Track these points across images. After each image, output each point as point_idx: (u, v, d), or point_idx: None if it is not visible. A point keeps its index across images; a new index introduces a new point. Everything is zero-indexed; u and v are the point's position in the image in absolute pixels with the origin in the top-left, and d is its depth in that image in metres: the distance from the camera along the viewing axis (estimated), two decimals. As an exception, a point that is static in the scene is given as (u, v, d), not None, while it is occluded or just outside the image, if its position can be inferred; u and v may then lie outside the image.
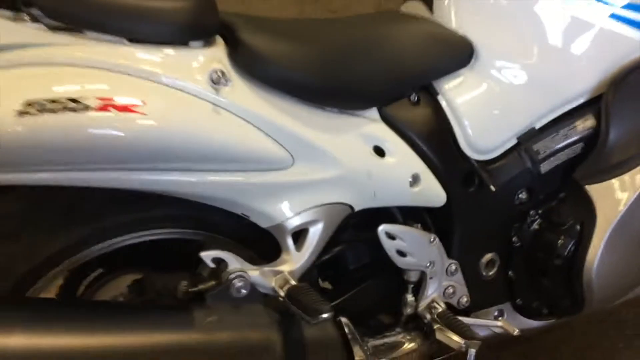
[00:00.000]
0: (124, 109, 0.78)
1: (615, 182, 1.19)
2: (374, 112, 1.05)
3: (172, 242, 1.05)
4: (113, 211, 0.95)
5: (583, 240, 1.19)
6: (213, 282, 0.97)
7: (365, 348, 1.03)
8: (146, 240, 1.00)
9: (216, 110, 0.86)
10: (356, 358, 1.00)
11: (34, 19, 0.81)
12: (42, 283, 0.96)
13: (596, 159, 1.19)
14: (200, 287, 0.97)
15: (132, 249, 1.01)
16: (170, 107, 0.82)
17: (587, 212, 1.19)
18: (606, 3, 1.19)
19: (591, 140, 1.20)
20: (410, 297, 1.17)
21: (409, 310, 1.18)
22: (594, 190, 1.19)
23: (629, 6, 1.20)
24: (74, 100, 0.76)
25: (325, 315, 0.89)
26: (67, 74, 0.78)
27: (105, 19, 0.82)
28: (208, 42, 0.90)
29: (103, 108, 0.77)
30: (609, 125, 1.17)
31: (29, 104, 0.74)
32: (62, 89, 0.76)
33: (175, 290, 0.99)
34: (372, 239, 1.11)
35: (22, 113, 0.74)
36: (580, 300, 1.23)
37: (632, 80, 1.17)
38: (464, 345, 1.10)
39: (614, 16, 1.19)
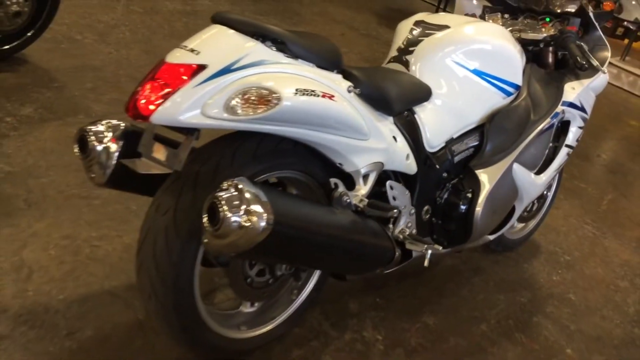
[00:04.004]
0: (331, 97, 1.62)
1: (490, 168, 2.25)
2: (391, 119, 1.98)
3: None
4: (277, 156, 1.73)
5: (473, 201, 2.22)
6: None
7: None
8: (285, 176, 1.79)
9: (350, 105, 1.73)
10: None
11: (277, 49, 1.61)
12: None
13: (481, 156, 2.24)
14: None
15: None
16: (341, 99, 1.67)
17: (475, 185, 2.23)
18: (469, 68, 2.23)
19: (479, 146, 2.26)
20: (391, 226, 2.08)
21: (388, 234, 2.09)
22: (480, 173, 2.24)
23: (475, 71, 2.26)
24: (312, 91, 1.58)
25: (395, 211, 1.78)
26: (301, 78, 1.60)
27: (313, 56, 1.65)
28: (337, 72, 1.76)
29: (324, 96, 1.60)
30: (488, 138, 2.24)
31: (296, 90, 1.55)
32: (306, 85, 1.58)
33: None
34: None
35: (294, 93, 1.54)
36: (469, 234, 2.24)
37: (498, 117, 2.26)
38: (425, 248, 2.03)
39: (470, 70, 2.23)
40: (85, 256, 2.16)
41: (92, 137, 1.71)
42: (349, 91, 1.74)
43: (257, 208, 1.44)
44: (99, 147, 1.71)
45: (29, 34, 3.17)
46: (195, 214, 1.58)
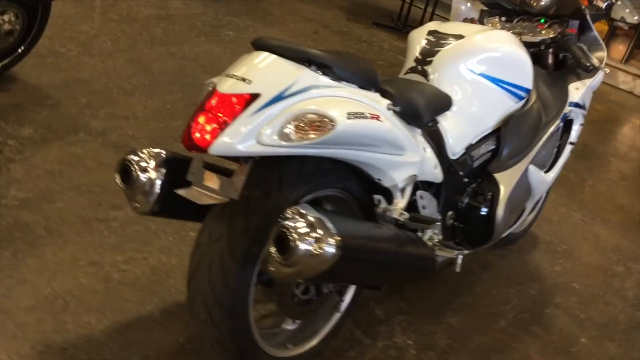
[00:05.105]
0: (377, 118, 1.65)
1: (508, 171, 2.32)
2: (419, 131, 2.02)
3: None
4: (319, 176, 1.75)
5: (493, 204, 2.29)
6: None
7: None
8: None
9: (390, 122, 1.76)
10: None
11: (322, 73, 1.63)
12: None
13: (498, 159, 2.31)
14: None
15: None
16: (385, 118, 1.70)
17: (495, 188, 2.29)
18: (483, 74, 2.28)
19: (495, 150, 2.32)
20: (420, 234, 2.13)
21: (418, 242, 2.14)
22: (498, 176, 2.30)
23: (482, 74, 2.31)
24: (361, 114, 1.60)
25: (436, 223, 1.83)
26: (349, 101, 1.63)
27: (354, 77, 1.68)
28: (375, 91, 1.79)
29: (371, 118, 1.63)
30: (504, 142, 2.30)
31: (348, 114, 1.57)
32: (355, 108, 1.61)
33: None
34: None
35: (347, 117, 1.57)
36: (490, 235, 2.31)
37: (513, 120, 2.32)
38: (455, 254, 2.09)
39: (485, 77, 2.28)
40: (116, 282, 2.14)
41: (135, 167, 1.70)
42: (389, 109, 1.78)
43: (324, 235, 1.47)
44: (143, 177, 1.70)
45: (19, 50, 3.09)
46: (249, 239, 1.60)
